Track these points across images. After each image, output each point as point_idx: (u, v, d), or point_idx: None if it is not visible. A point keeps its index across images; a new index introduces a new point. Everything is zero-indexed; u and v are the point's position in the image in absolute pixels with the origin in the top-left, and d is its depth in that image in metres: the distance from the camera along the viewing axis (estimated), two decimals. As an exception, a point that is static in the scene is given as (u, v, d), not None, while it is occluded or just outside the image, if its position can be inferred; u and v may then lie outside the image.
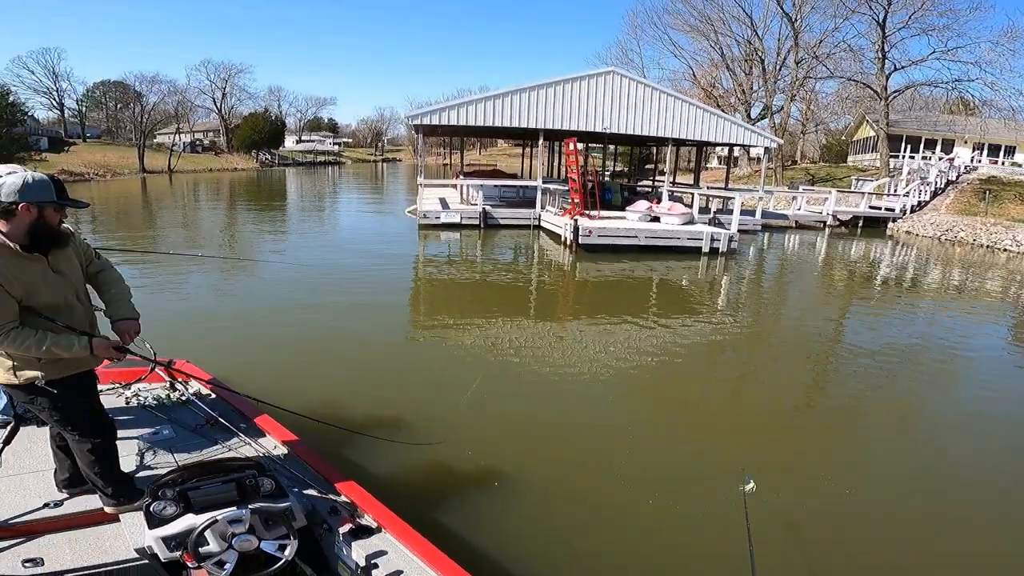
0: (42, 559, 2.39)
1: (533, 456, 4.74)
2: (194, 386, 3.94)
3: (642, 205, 17.00)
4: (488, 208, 17.92)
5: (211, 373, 4.11)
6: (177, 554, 2.25)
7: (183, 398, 3.77)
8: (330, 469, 3.05)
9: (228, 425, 3.37)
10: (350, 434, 4.25)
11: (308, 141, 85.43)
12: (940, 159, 28.86)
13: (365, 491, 2.86)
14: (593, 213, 16.23)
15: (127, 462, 2.95)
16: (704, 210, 18.69)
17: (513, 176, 26.25)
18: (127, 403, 3.69)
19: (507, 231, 17.48)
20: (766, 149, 21.16)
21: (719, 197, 19.93)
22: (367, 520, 2.64)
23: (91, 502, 2.69)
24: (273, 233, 18.08)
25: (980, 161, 29.76)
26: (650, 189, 24.58)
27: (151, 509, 2.35)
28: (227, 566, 2.24)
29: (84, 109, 63.22)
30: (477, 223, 17.52)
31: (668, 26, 39.23)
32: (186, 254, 12.02)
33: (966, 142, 32.54)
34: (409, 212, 20.01)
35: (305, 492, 2.84)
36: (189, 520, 2.29)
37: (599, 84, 17.85)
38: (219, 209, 24.85)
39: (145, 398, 3.73)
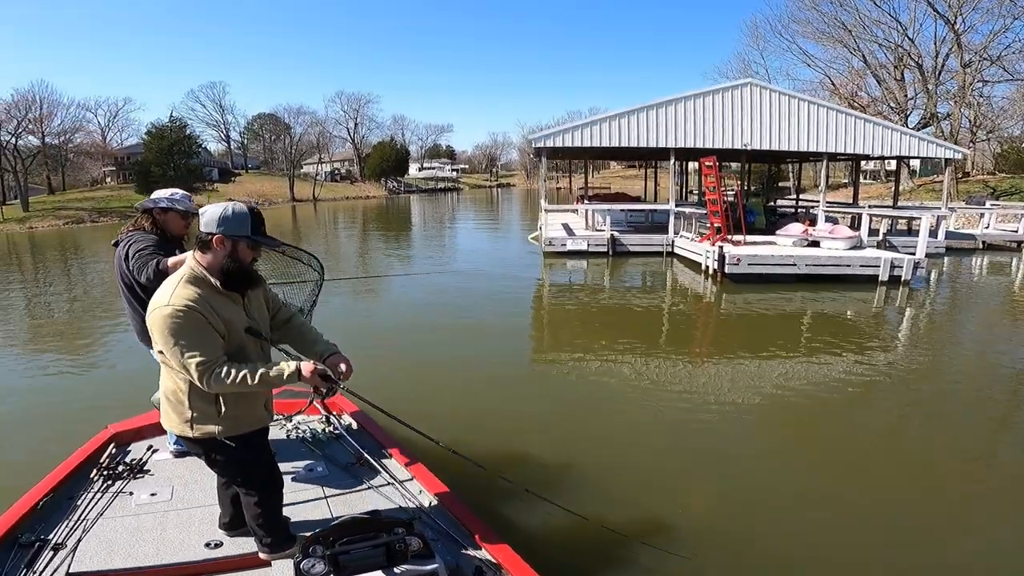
0: None
1: (698, 518, 4.10)
2: (347, 420, 3.94)
3: (795, 228, 14.87)
4: (616, 234, 16.67)
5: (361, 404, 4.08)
6: None
7: (336, 432, 3.78)
8: (477, 522, 2.88)
9: (376, 465, 3.35)
10: (494, 479, 3.85)
11: (429, 168, 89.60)
12: None
13: (513, 551, 2.64)
14: (738, 238, 14.41)
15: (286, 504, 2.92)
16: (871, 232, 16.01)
17: (638, 199, 24.73)
18: (287, 436, 3.75)
19: (637, 259, 16.10)
20: (946, 161, 17.93)
21: (894, 217, 17.09)
22: None
23: (246, 545, 2.69)
24: (401, 259, 18.31)
25: None
26: (793, 209, 21.95)
27: (301, 566, 2.26)
28: None
29: (245, 141, 70.99)
30: (605, 250, 16.32)
31: (796, 35, 36.28)
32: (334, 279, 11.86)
33: None
34: (532, 238, 19.30)
35: (450, 546, 2.73)
36: None
37: (736, 97, 16.25)
38: (354, 235, 26.60)
39: (303, 432, 3.78)
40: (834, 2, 32.84)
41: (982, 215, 19.03)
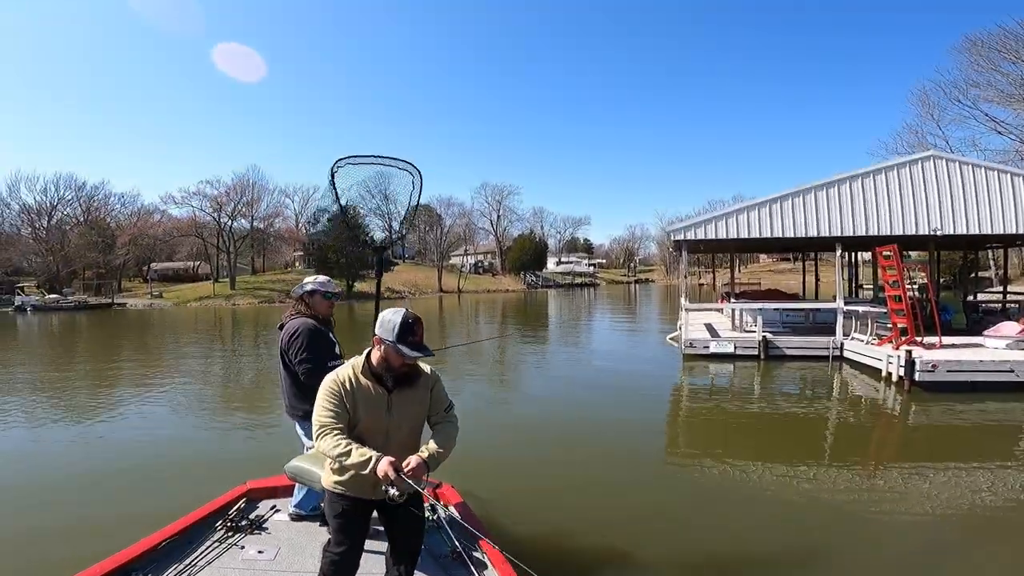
0: None
1: None
2: (452, 511, 3.85)
3: (1010, 328, 11.99)
4: (769, 336, 14.70)
5: (467, 498, 4.08)
6: None
7: (438, 522, 3.75)
8: None
9: (468, 562, 3.26)
10: None
11: (567, 263, 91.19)
12: None
13: None
14: (931, 341, 11.85)
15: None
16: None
17: (795, 297, 22.12)
18: None
19: (794, 363, 13.88)
20: None
21: None
22: None
23: None
24: (536, 354, 18.02)
25: None
26: (1000, 305, 18.06)
27: None
28: None
29: (405, 232, 78.32)
30: (756, 354, 14.36)
31: (978, 99, 31.82)
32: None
33: None
34: (671, 340, 17.83)
35: None
36: None
37: (916, 173, 13.94)
38: (494, 327, 27.61)
39: None
40: (1019, 61, 28.75)
41: None
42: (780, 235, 14.82)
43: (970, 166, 14.01)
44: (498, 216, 79.86)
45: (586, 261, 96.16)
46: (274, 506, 3.86)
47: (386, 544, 2.98)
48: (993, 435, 8.08)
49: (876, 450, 7.87)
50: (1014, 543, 4.86)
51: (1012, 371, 10.07)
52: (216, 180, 55.51)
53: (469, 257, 69.60)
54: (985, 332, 12.31)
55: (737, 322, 17.31)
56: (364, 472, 2.37)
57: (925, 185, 13.84)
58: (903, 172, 14.04)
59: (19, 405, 10.67)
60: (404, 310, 2.53)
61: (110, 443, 8.05)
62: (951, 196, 13.71)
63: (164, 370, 15.28)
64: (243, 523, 3.57)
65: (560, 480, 6.47)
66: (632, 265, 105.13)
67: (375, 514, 2.86)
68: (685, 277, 17.73)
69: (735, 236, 15.15)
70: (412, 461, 2.45)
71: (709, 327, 17.10)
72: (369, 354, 2.58)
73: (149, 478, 6.47)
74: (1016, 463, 6.74)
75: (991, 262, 30.73)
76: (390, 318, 2.47)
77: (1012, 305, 17.40)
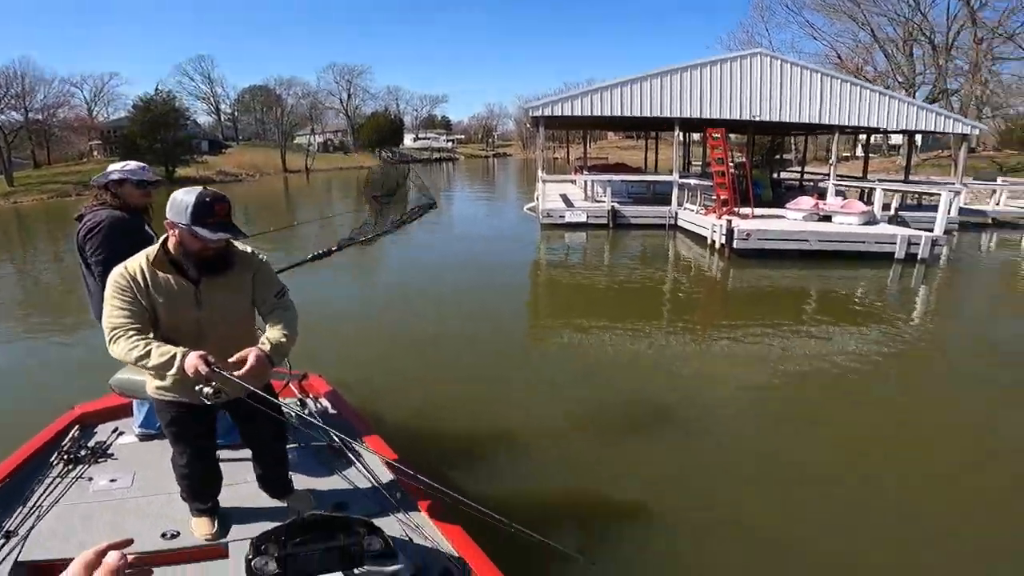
0: None
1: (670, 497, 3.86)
2: (322, 404, 3.73)
3: (806, 202, 14.04)
4: (617, 206, 15.79)
5: (337, 387, 3.88)
6: None
7: (310, 418, 3.43)
8: (448, 518, 2.70)
9: (348, 454, 3.19)
10: (474, 470, 3.95)
11: (424, 139, 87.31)
12: None
13: (480, 550, 2.48)
14: (745, 211, 13.60)
15: (246, 489, 2.86)
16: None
17: (639, 170, 23.70)
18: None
19: (638, 231, 15.24)
20: (963, 136, 17.00)
21: (908, 192, 16.27)
22: None
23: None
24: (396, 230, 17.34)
25: None
26: (798, 183, 21.10)
27: (253, 564, 2.08)
28: None
29: (236, 113, 69.02)
30: (605, 222, 15.45)
31: (803, 7, 35.08)
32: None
33: None
34: (528, 209, 18.37)
35: (418, 544, 2.56)
36: None
37: (745, 67, 15.33)
38: (348, 204, 25.20)
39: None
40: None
41: (994, 191, 18.23)
42: (627, 114, 15.68)
43: (788, 64, 15.66)
44: (348, 95, 72.66)
45: (444, 137, 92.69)
46: (116, 429, 3.44)
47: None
48: (793, 297, 9.67)
49: (704, 314, 9.03)
50: (810, 383, 5.93)
51: (807, 240, 11.97)
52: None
53: (317, 136, 63.22)
54: (787, 205, 14.33)
55: (589, 192, 18.25)
56: (171, 372, 2.06)
57: (751, 78, 15.24)
58: (734, 65, 15.34)
59: None
60: (201, 188, 2.17)
61: None
62: (770, 89, 15.30)
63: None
64: (83, 453, 3.19)
65: (428, 360, 6.35)
66: (491, 141, 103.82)
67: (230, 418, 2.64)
68: (542, 151, 18.01)
69: (588, 114, 15.78)
70: (250, 356, 2.10)
71: (564, 197, 17.83)
72: (165, 241, 2.19)
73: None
74: (808, 322, 8.13)
75: (793, 147, 35.33)
76: (182, 198, 2.08)
77: (808, 183, 20.43)
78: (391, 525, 2.58)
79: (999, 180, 20.17)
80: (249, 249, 2.35)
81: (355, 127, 70.87)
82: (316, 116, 64.20)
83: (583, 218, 15.55)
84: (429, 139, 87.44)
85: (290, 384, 3.73)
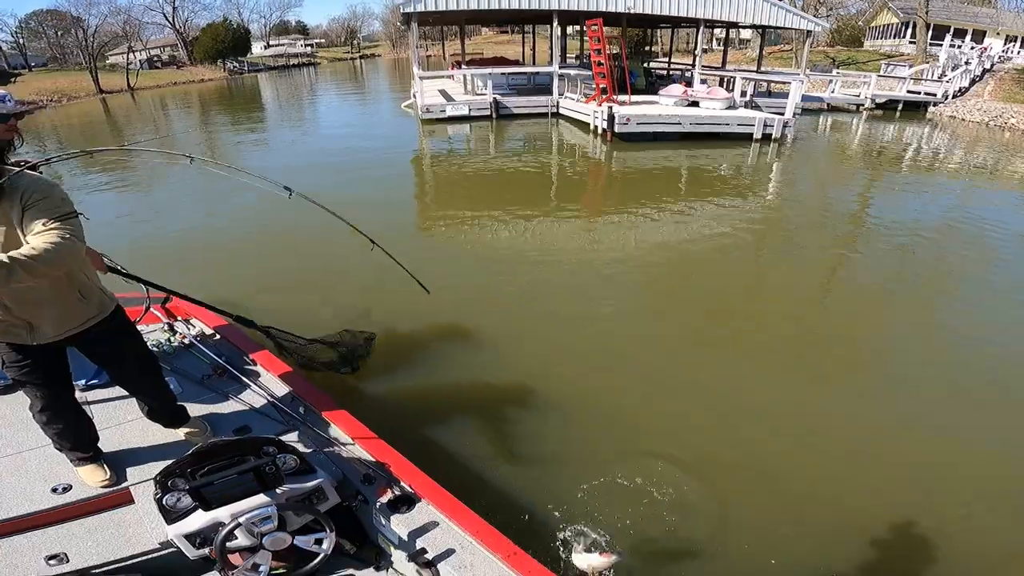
0: (66, 554, 2.09)
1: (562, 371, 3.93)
2: (196, 326, 3.39)
3: (676, 89, 14.43)
4: (499, 97, 15.17)
5: (214, 304, 3.38)
6: (205, 551, 1.92)
7: (185, 342, 3.22)
8: (359, 427, 2.56)
9: (238, 374, 2.91)
10: (372, 376, 3.73)
11: (277, 45, 77.15)
12: (972, 48, 26.11)
13: (397, 452, 2.40)
14: (623, 98, 13.70)
15: (132, 428, 2.61)
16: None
17: (517, 63, 22.83)
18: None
19: (522, 121, 14.94)
20: (808, 32, 18.12)
21: (763, 81, 17.25)
22: (405, 489, 2.23)
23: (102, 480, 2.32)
24: (256, 135, 15.55)
25: (1016, 52, 26.98)
26: (666, 72, 21.64)
27: (164, 503, 1.97)
28: (262, 568, 1.94)
29: (23, 40, 55.75)
30: (488, 114, 14.89)
31: None
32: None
33: (998, 34, 29.45)
34: (406, 107, 17.17)
35: (332, 456, 2.39)
36: (210, 516, 1.93)
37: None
38: (192, 119, 21.26)
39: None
40: None
41: (830, 81, 20.05)
42: (505, 7, 14.80)
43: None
44: (174, 8, 60.91)
45: (302, 42, 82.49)
46: None
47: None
48: (670, 174, 10.09)
49: (592, 193, 9.16)
50: (684, 251, 6.31)
51: (679, 123, 12.39)
52: None
53: (137, 54, 52.51)
54: (660, 92, 14.66)
55: (469, 87, 17.35)
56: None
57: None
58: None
59: None
60: None
61: None
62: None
63: None
64: None
65: (315, 264, 5.82)
66: (356, 42, 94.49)
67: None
68: (415, 48, 16.57)
69: (463, 8, 14.73)
70: None
71: (443, 92, 16.82)
72: None
73: None
74: (687, 198, 8.57)
75: (659, 40, 36.14)
76: None
77: (676, 72, 21.02)
78: (302, 441, 2.45)
79: (834, 72, 22.17)
80: (26, 174, 1.88)
81: (188, 40, 60.48)
82: (132, 33, 53.56)
83: (465, 111, 14.83)
84: (283, 45, 77.48)
85: (151, 308, 3.37)
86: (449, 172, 10.35)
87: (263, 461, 2.03)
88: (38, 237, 1.77)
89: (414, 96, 15.62)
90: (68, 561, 2.11)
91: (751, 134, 12.41)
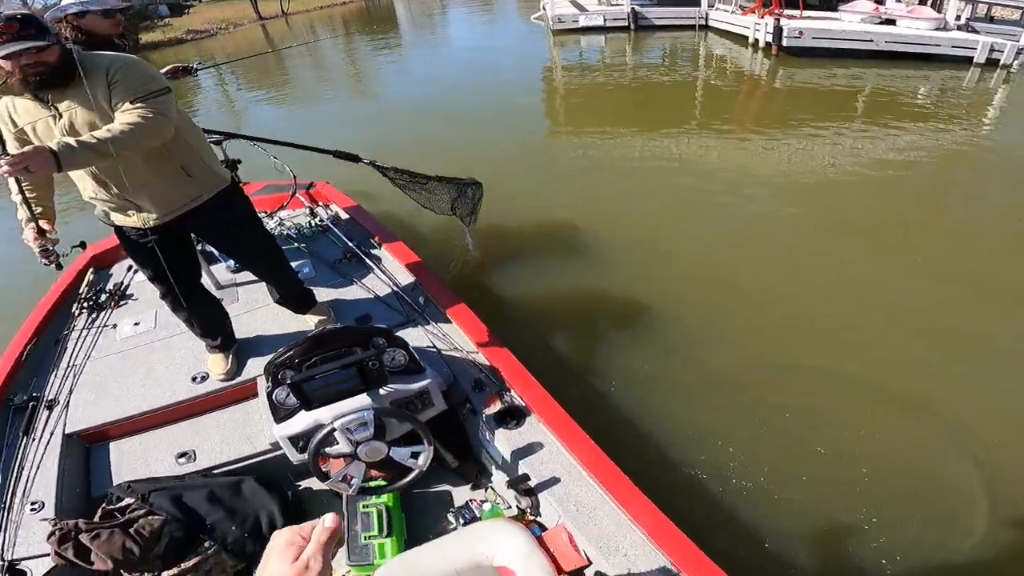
0: (194, 451, 2.18)
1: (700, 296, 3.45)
2: (334, 210, 3.46)
3: (864, 5, 11.50)
4: (637, 7, 13.10)
5: (350, 194, 3.55)
6: (304, 457, 1.80)
7: (322, 225, 3.28)
8: (477, 324, 2.34)
9: (364, 259, 2.90)
10: (496, 278, 3.69)
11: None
12: None
13: (515, 358, 2.17)
14: (794, 13, 11.15)
15: (263, 315, 2.68)
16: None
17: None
18: (274, 234, 3.15)
19: (662, 33, 12.77)
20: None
21: (988, 3, 13.51)
22: (516, 401, 2.05)
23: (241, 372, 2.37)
24: (392, 54, 15.31)
25: None
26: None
27: (274, 398, 1.87)
28: (354, 481, 1.82)
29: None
30: (625, 25, 12.91)
31: None
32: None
33: None
34: (536, 19, 15.55)
35: (446, 354, 2.26)
36: (312, 417, 1.81)
37: None
38: (338, 42, 22.34)
39: (288, 228, 3.26)
40: None
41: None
42: None
43: None
44: None
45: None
46: (130, 267, 3.16)
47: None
48: (857, 96, 7.91)
49: (747, 112, 7.46)
50: (878, 191, 4.79)
51: (871, 40, 9.84)
52: None
53: None
54: (841, 7, 11.83)
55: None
56: (57, 168, 1.61)
57: None
58: None
59: None
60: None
61: None
62: None
63: None
64: (103, 298, 2.94)
65: (443, 171, 5.74)
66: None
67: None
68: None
69: None
70: (27, 148, 1.56)
71: (575, 2, 14.97)
72: None
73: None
74: (868, 121, 6.55)
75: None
76: None
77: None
78: (417, 336, 2.37)
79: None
80: (110, 53, 1.85)
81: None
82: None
83: (599, 21, 12.99)
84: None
85: (297, 194, 3.46)
86: (581, 84, 9.18)
87: (367, 355, 1.85)
88: (120, 115, 1.75)
89: (544, 8, 14.03)
90: (195, 459, 2.15)
91: (970, 58, 9.53)
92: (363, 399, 1.84)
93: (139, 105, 1.75)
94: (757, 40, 10.44)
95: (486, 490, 2.10)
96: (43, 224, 1.93)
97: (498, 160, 5.92)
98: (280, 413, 1.88)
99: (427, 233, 4.29)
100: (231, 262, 2.96)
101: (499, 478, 2.04)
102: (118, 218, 2.03)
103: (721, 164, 5.41)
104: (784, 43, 9.68)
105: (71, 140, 1.62)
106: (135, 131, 1.70)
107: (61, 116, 1.81)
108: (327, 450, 1.80)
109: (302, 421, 1.83)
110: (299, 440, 1.84)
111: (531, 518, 1.88)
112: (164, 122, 1.77)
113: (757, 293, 3.46)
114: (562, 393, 2.07)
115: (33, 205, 1.91)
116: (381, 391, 1.88)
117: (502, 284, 3.69)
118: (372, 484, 1.92)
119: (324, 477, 1.81)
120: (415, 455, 1.84)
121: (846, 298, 3.37)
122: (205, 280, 2.75)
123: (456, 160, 5.89)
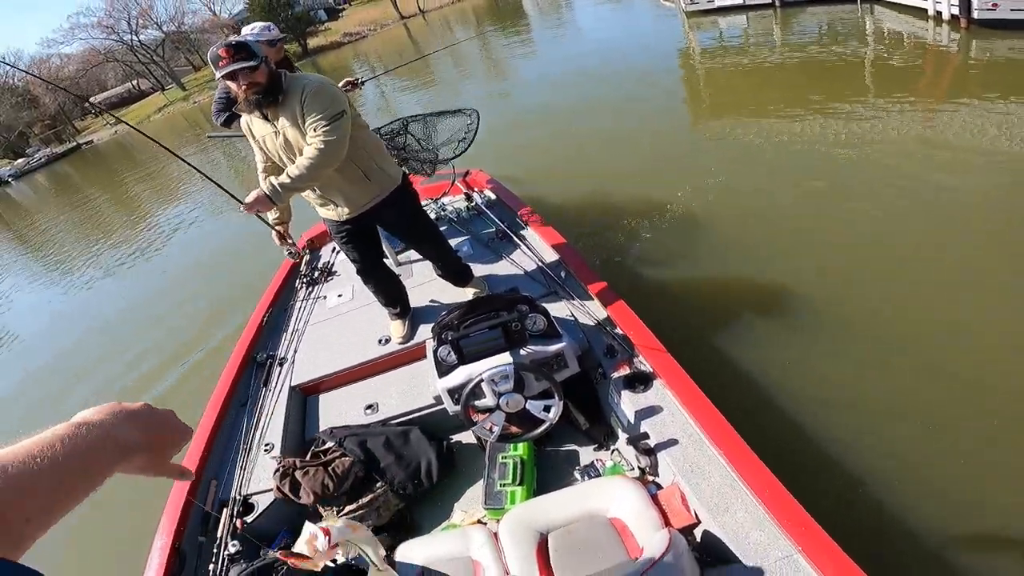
0: (377, 404, 2.51)
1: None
2: (487, 196, 3.79)
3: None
4: (787, -18, 11.73)
5: (499, 180, 3.92)
6: (459, 408, 2.08)
7: (478, 209, 3.64)
8: (613, 296, 2.49)
9: (513, 236, 3.19)
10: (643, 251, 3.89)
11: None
12: None
13: (645, 326, 2.27)
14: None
15: (431, 287, 3.01)
16: None
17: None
18: (437, 217, 3.62)
19: (815, 8, 11.25)
20: None
21: None
22: (644, 366, 2.17)
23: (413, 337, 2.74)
24: (524, 47, 15.81)
25: None
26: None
27: (438, 355, 2.19)
28: (495, 430, 2.08)
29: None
30: (769, 1, 11.61)
31: None
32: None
33: None
34: (666, 2, 14.68)
35: (583, 322, 2.48)
36: (466, 371, 2.11)
37: None
38: (470, 34, 24.94)
39: (450, 212, 3.69)
40: None
41: None
42: None
43: None
44: None
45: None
46: (334, 248, 3.71)
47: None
48: None
49: (928, 88, 6.29)
50: None
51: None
52: (85, 9, 45.56)
53: None
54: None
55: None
56: (273, 204, 2.21)
57: None
58: None
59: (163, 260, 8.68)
60: (223, 41, 2.12)
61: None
62: None
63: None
64: (316, 275, 3.47)
65: (589, 161, 6.02)
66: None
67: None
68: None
69: None
70: (250, 196, 2.17)
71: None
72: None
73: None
74: None
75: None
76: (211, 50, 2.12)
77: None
78: (558, 306, 2.54)
79: None
80: (310, 77, 2.23)
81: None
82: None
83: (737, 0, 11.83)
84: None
85: (456, 182, 3.77)
86: (724, 66, 8.53)
87: (511, 318, 2.09)
88: (308, 142, 2.13)
89: (676, -12, 13.13)
90: (378, 411, 2.49)
91: None
92: (506, 356, 2.07)
93: (321, 131, 2.11)
94: (939, 12, 8.86)
95: (611, 452, 2.23)
96: (282, 230, 2.66)
97: (641, 153, 5.92)
98: (442, 368, 2.16)
99: (568, 216, 4.47)
100: (397, 242, 3.33)
101: (623, 438, 2.17)
102: (323, 212, 2.53)
103: (894, 145, 4.68)
104: (975, 15, 8.12)
105: (276, 183, 2.12)
106: (318, 162, 2.12)
107: (279, 132, 2.23)
108: (476, 403, 2.07)
109: (459, 375, 2.11)
110: (455, 393, 2.10)
111: (650, 478, 1.96)
112: (339, 146, 2.14)
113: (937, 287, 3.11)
114: (692, 360, 2.11)
115: (272, 221, 2.64)
116: (522, 351, 2.10)
117: (644, 267, 3.84)
118: (509, 434, 2.11)
119: (471, 424, 2.07)
120: (547, 408, 2.04)
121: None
122: (387, 260, 3.12)
123: (597, 152, 6.02)
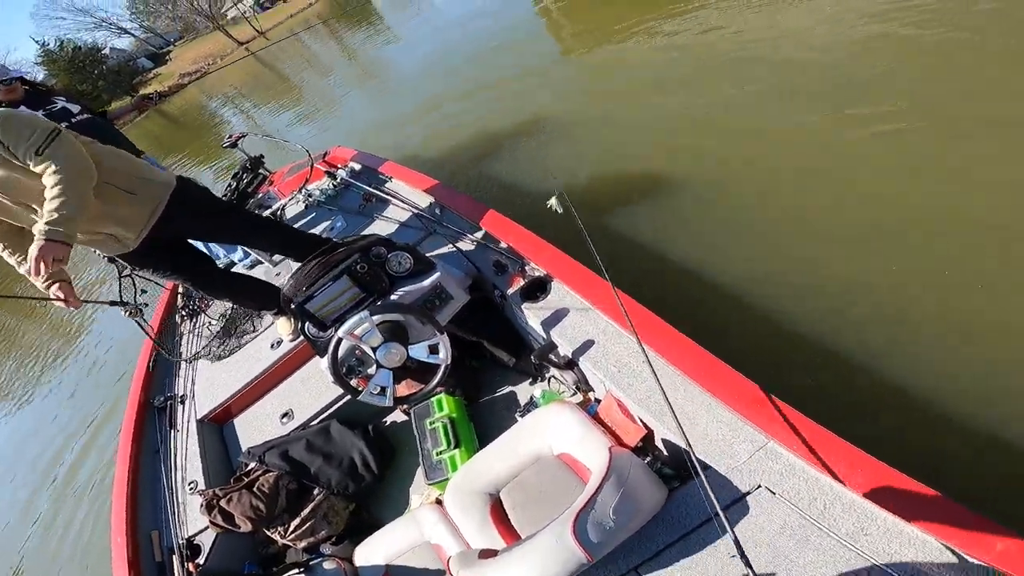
0: (292, 411, 2.35)
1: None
2: (351, 167, 3.58)
3: None
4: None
5: (365, 150, 3.63)
6: (353, 382, 1.75)
7: (345, 182, 3.41)
8: (497, 217, 2.26)
9: (382, 195, 2.98)
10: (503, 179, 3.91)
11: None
12: None
13: (525, 229, 2.08)
14: None
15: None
16: None
17: None
18: (306, 206, 3.42)
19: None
20: None
21: None
22: (536, 271, 1.97)
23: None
24: (384, 35, 15.17)
25: None
26: None
27: (308, 333, 1.89)
28: (388, 391, 1.72)
29: (145, 22, 57.74)
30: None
31: None
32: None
33: None
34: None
35: (466, 251, 2.22)
36: (332, 337, 1.72)
37: None
38: (319, 36, 23.84)
39: (316, 196, 3.45)
40: None
41: None
42: None
43: None
44: None
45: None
46: None
47: None
48: None
49: None
50: None
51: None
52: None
53: (244, 2, 52.14)
54: None
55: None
56: (67, 245, 1.74)
57: None
58: None
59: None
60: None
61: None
62: None
63: None
64: (193, 304, 3.28)
65: (467, 111, 6.04)
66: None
67: None
68: None
69: None
70: (31, 254, 1.68)
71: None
72: None
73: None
74: None
75: None
76: None
77: None
78: (438, 243, 2.35)
79: None
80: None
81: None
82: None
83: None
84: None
85: (315, 164, 3.62)
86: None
87: (351, 260, 1.80)
88: (44, 177, 1.76)
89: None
90: (294, 417, 2.31)
91: None
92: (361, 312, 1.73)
93: (45, 164, 1.76)
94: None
95: (548, 381, 2.01)
96: (59, 289, 1.97)
97: (514, 88, 5.90)
98: (318, 346, 1.83)
99: (463, 171, 4.38)
100: (238, 250, 3.17)
101: (542, 357, 1.93)
102: (109, 249, 2.11)
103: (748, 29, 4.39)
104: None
105: (50, 221, 1.69)
106: (69, 176, 1.75)
107: None
108: (367, 371, 1.73)
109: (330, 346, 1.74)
110: (335, 368, 1.73)
111: (589, 396, 1.77)
112: (79, 163, 1.80)
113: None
114: (586, 253, 1.72)
115: (42, 285, 1.95)
116: (393, 296, 1.80)
117: (529, 179, 3.79)
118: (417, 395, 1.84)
119: (356, 393, 1.72)
120: (433, 348, 1.70)
121: None
122: (263, 263, 3.06)
123: (474, 108, 5.84)
